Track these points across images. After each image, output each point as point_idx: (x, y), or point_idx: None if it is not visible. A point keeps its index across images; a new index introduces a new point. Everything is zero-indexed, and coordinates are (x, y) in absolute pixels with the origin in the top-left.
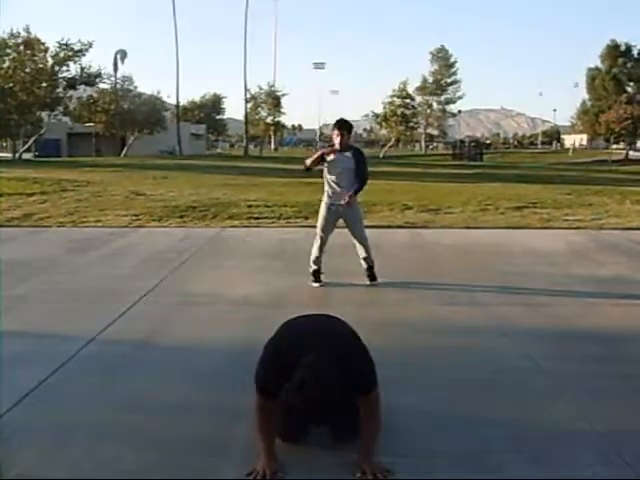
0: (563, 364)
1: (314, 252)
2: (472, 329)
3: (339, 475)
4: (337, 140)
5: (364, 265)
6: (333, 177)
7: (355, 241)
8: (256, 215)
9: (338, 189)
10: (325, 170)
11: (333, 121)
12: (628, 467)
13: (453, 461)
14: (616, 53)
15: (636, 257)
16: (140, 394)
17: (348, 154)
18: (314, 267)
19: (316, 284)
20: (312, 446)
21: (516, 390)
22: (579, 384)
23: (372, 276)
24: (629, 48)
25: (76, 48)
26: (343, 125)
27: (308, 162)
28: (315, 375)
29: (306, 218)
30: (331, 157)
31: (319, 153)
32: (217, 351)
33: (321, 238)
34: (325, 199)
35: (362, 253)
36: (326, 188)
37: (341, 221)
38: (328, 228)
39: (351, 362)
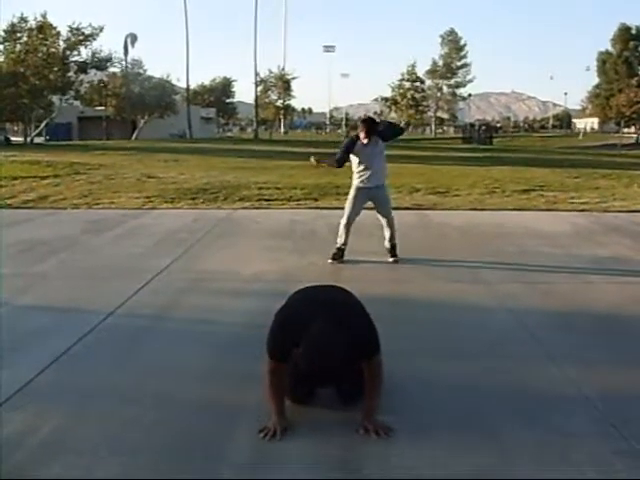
0: (559, 336)
1: (340, 232)
2: (475, 305)
3: (344, 432)
4: (363, 134)
5: (387, 245)
6: (362, 167)
7: (383, 221)
8: (266, 197)
9: (370, 171)
10: (354, 161)
11: (343, 104)
12: (614, 429)
13: (450, 420)
14: (627, 36)
15: (638, 238)
16: (159, 361)
17: (375, 142)
18: (340, 242)
19: (330, 260)
20: (319, 406)
21: (513, 359)
22: (573, 354)
23: (394, 254)
24: None
25: (87, 32)
26: (370, 124)
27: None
28: (320, 341)
29: (315, 200)
30: (358, 147)
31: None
32: (231, 323)
33: (348, 219)
34: (356, 183)
35: (387, 233)
36: (356, 173)
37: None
38: (356, 210)
39: (355, 329)
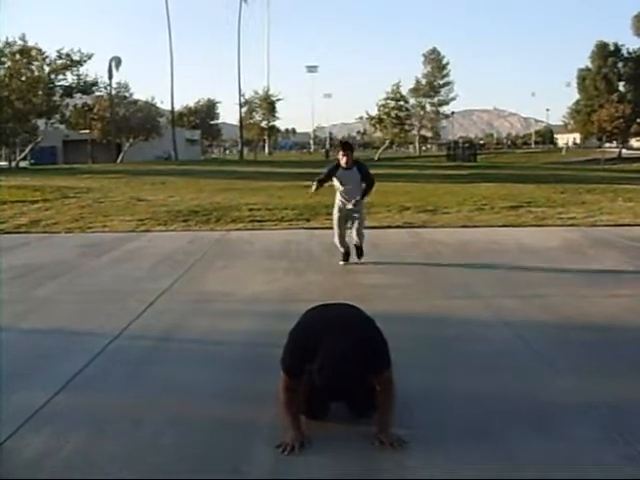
0: (556, 347)
1: (338, 245)
2: (472, 319)
3: (360, 445)
4: (344, 160)
5: (354, 248)
6: (342, 188)
7: (353, 230)
8: (258, 218)
9: (347, 196)
10: (336, 182)
11: (327, 124)
12: (620, 436)
13: (460, 431)
14: (605, 53)
15: (626, 252)
16: (169, 381)
17: (354, 169)
18: (342, 250)
19: (342, 262)
20: (333, 421)
21: (513, 371)
22: (573, 365)
23: (360, 254)
24: (618, 48)
25: (75, 58)
26: (347, 147)
27: (313, 188)
28: (334, 358)
29: (307, 220)
30: (340, 172)
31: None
32: (236, 342)
33: (339, 236)
34: (338, 203)
35: (354, 240)
36: (337, 196)
37: None
38: (342, 224)
39: (367, 345)
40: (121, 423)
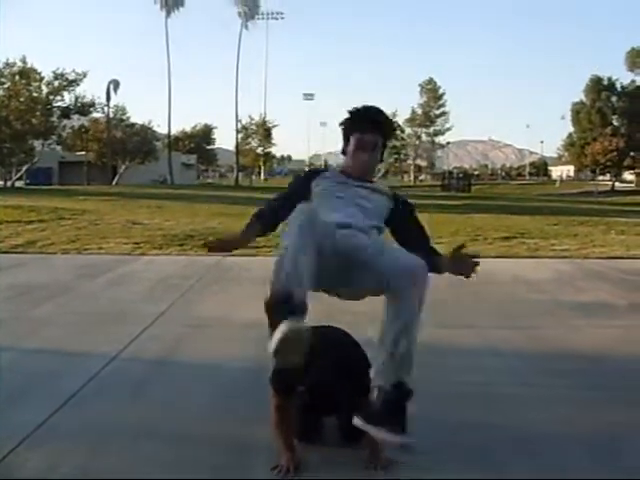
0: (549, 379)
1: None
2: (465, 349)
3: (355, 467)
4: None
5: None
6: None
7: None
8: (254, 244)
9: None
10: None
11: (322, 152)
12: (611, 464)
13: (455, 457)
14: (599, 87)
15: (618, 284)
16: (168, 402)
17: None
18: None
19: None
20: (326, 445)
21: (506, 400)
22: (564, 395)
23: None
24: (612, 82)
25: (71, 78)
26: None
27: None
28: (321, 381)
29: None
30: None
31: None
32: (233, 367)
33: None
34: None
35: None
36: None
37: None
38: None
39: (354, 367)
40: (120, 441)
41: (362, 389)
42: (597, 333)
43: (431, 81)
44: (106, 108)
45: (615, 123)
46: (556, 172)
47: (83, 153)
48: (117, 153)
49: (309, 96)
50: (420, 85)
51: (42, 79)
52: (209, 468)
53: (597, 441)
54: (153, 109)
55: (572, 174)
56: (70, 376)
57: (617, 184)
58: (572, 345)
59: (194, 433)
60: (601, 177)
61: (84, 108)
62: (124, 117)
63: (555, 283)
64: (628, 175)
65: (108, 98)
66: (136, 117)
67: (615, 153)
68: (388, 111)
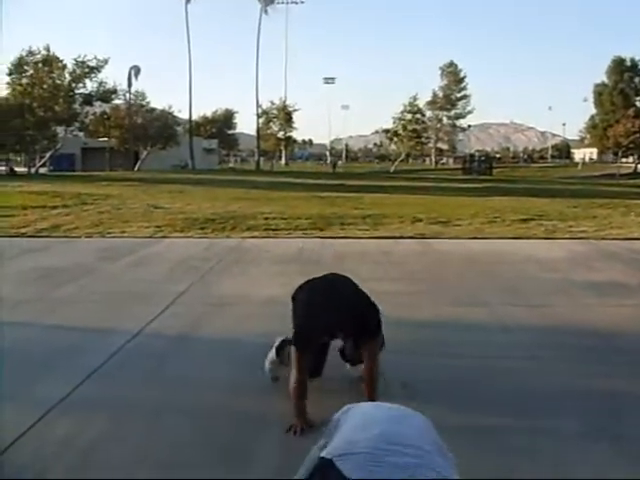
0: (556, 353)
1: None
2: (475, 326)
3: None
4: None
5: None
6: None
7: None
8: (273, 227)
9: None
10: None
11: (344, 136)
12: (609, 431)
13: (457, 415)
14: (622, 68)
15: (632, 265)
16: (187, 376)
17: None
18: None
19: None
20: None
21: (513, 373)
22: (569, 369)
23: None
24: (635, 63)
25: (92, 65)
26: None
27: None
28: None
29: (321, 229)
30: None
31: None
32: (251, 342)
33: None
34: None
35: None
36: None
37: None
38: None
39: (359, 311)
40: (141, 412)
41: (368, 331)
42: (607, 311)
43: (452, 64)
44: (127, 94)
45: (638, 104)
46: (578, 155)
47: (105, 139)
48: (139, 139)
49: (330, 80)
50: (441, 68)
51: (65, 67)
52: (225, 438)
53: (600, 410)
54: (174, 94)
55: (595, 157)
56: (94, 351)
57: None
58: (582, 322)
59: (211, 405)
60: (624, 159)
61: (106, 95)
62: (144, 102)
63: (569, 263)
64: None
65: (129, 84)
66: (157, 103)
67: (638, 135)
68: (409, 94)
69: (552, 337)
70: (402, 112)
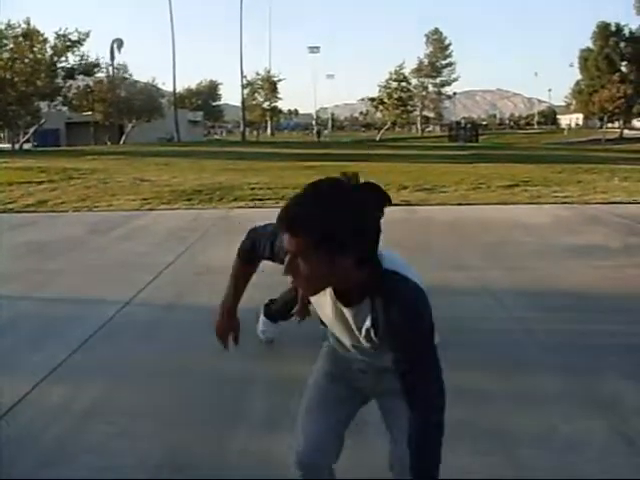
0: (537, 313)
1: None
2: (458, 289)
3: None
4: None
5: None
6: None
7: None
8: (260, 197)
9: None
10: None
11: (329, 105)
12: (586, 384)
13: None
14: (607, 33)
15: (613, 228)
16: (177, 341)
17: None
18: None
19: None
20: None
21: (495, 333)
22: (549, 328)
23: None
24: (620, 28)
25: (73, 38)
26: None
27: None
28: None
29: None
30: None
31: None
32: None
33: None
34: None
35: None
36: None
37: None
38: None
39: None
40: (133, 377)
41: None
42: (588, 273)
43: (437, 31)
44: (110, 68)
45: (623, 70)
46: (565, 121)
47: (90, 113)
48: (123, 112)
49: (315, 49)
50: (426, 35)
51: (46, 40)
52: (214, 399)
53: (577, 364)
54: (158, 67)
55: (580, 122)
56: (85, 321)
57: (625, 131)
58: (562, 283)
59: (200, 370)
60: (610, 125)
61: (88, 68)
62: (127, 75)
63: (553, 227)
64: (637, 122)
65: (112, 57)
66: (140, 76)
67: (623, 100)
68: (394, 62)
69: (533, 299)
70: (388, 80)
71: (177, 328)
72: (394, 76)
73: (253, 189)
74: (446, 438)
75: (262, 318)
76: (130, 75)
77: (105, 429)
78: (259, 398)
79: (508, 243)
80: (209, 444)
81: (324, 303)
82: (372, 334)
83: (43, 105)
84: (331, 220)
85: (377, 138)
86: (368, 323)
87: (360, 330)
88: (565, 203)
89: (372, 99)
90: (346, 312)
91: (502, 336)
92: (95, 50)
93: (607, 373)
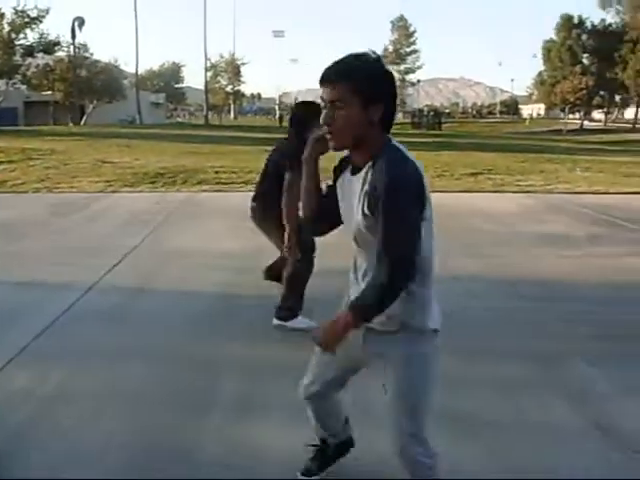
0: (506, 302)
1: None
2: None
3: None
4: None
5: None
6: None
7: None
8: (224, 180)
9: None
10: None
11: (292, 90)
12: (555, 371)
13: None
14: (570, 25)
15: (577, 217)
16: (143, 325)
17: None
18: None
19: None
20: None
21: (468, 323)
22: (519, 316)
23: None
24: (582, 21)
25: (32, 15)
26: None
27: None
28: None
29: None
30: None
31: None
32: (205, 294)
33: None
34: None
35: None
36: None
37: None
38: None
39: None
40: (98, 362)
41: None
42: (553, 261)
43: (402, 18)
44: (71, 46)
45: (585, 62)
46: (526, 110)
47: (49, 93)
48: (84, 93)
49: (279, 33)
50: (391, 22)
51: (3, 16)
52: (183, 385)
53: (545, 351)
54: (120, 47)
55: (542, 112)
56: (49, 305)
57: (586, 123)
58: (529, 272)
59: (167, 355)
60: (570, 115)
61: (48, 46)
62: (89, 55)
63: (518, 216)
64: (597, 114)
65: (73, 36)
66: (103, 55)
67: (584, 92)
68: (359, 48)
69: (501, 286)
70: None
71: (144, 311)
72: None
73: (217, 172)
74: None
75: (289, 324)
76: (91, 55)
77: (71, 413)
78: (230, 381)
79: (474, 231)
80: (179, 429)
81: (341, 186)
82: (367, 202)
83: (1, 83)
84: (369, 72)
85: None
86: (367, 187)
87: (362, 203)
88: (529, 192)
89: None
90: (354, 182)
91: (472, 325)
92: (56, 28)
93: (574, 360)
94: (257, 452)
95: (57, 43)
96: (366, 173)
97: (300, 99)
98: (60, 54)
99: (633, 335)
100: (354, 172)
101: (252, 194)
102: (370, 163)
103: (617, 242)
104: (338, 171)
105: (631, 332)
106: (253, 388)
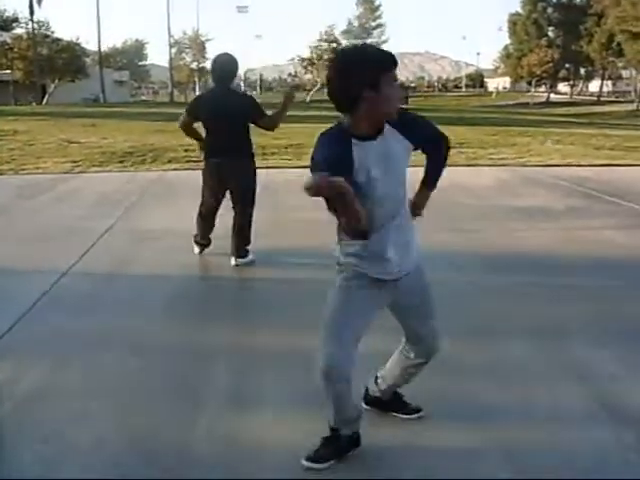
0: (487, 275)
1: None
2: None
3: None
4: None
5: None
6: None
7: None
8: (194, 159)
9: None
10: None
11: (258, 66)
12: (545, 345)
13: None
14: None
15: (553, 190)
16: (122, 311)
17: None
18: None
19: None
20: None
21: (450, 296)
22: (500, 288)
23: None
24: None
25: None
26: None
27: None
28: None
29: None
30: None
31: None
32: (181, 275)
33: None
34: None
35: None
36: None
37: None
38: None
39: None
40: (80, 350)
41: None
42: (531, 234)
43: None
44: (30, 23)
45: (551, 35)
46: (492, 84)
47: (9, 72)
48: (45, 71)
49: (243, 8)
50: None
51: None
52: (170, 375)
53: (531, 322)
54: (81, 24)
55: (508, 86)
56: (22, 293)
57: (552, 96)
58: (508, 245)
59: (151, 343)
60: (537, 88)
61: (6, 23)
62: (49, 33)
63: (494, 189)
64: (562, 87)
65: (32, 12)
66: (63, 33)
67: (550, 64)
68: (324, 23)
69: (481, 260)
70: (318, 41)
71: (119, 298)
72: (324, 37)
73: (187, 150)
74: None
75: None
76: (52, 32)
77: (54, 412)
78: (219, 368)
79: (452, 205)
80: (170, 421)
81: (365, 157)
82: (411, 135)
83: None
84: None
85: (307, 99)
86: (400, 129)
87: (406, 141)
88: (502, 165)
89: (303, 59)
90: (382, 143)
91: (453, 298)
92: (12, 4)
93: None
94: (252, 445)
95: (15, 20)
96: (388, 130)
97: (265, 75)
98: (19, 31)
99: (621, 310)
100: (370, 138)
101: None
102: (387, 126)
103: (595, 214)
104: (344, 158)
105: (617, 306)
106: (236, 377)
